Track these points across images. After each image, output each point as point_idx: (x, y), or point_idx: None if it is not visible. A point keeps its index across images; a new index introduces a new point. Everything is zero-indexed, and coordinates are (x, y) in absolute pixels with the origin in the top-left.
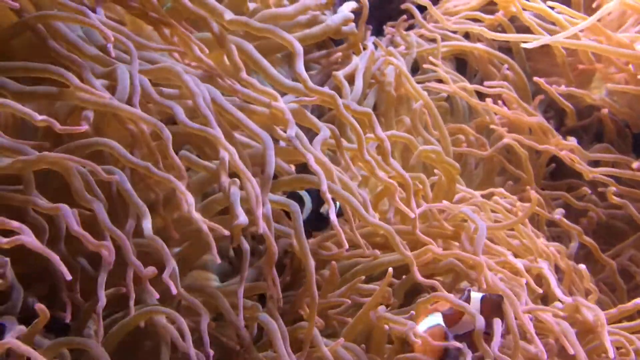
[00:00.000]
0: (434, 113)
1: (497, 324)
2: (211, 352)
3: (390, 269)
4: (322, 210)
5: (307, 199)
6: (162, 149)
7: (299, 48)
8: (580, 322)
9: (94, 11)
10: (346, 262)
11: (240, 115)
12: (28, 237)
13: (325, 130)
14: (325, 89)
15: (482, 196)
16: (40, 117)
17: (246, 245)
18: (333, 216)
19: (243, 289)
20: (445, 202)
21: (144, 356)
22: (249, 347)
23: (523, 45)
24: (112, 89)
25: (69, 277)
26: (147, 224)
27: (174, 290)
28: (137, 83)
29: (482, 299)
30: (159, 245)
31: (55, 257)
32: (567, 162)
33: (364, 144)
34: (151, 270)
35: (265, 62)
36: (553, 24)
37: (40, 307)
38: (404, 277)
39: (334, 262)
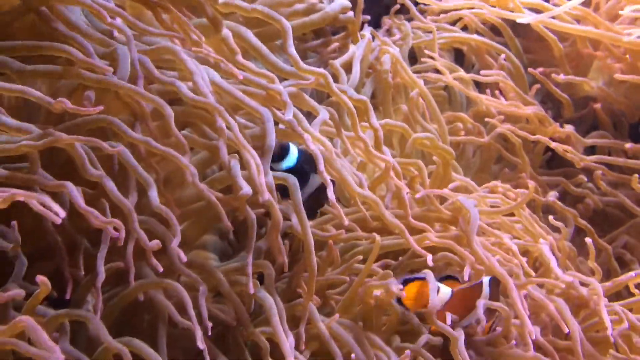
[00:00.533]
0: (429, 101)
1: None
2: (209, 324)
3: (378, 238)
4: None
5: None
6: (163, 128)
7: (287, 26)
8: (575, 297)
9: None
10: (344, 244)
11: (239, 94)
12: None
13: (324, 112)
14: (317, 68)
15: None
16: (54, 101)
17: (252, 215)
18: (331, 194)
19: (250, 260)
20: (445, 190)
21: (142, 330)
22: (246, 323)
23: (518, 20)
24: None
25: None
26: (153, 193)
27: (184, 258)
28: (137, 62)
29: (491, 281)
30: (166, 214)
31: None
32: (560, 152)
33: (358, 124)
34: (155, 242)
35: (263, 48)
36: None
37: (41, 279)
38: (400, 258)
39: (331, 242)
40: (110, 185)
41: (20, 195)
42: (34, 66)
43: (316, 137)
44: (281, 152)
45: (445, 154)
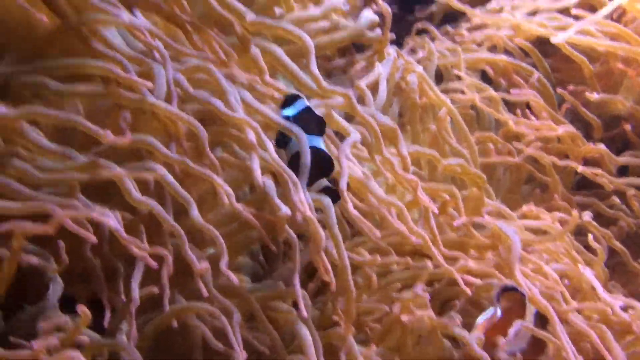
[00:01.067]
0: (458, 121)
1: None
2: (244, 355)
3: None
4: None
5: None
6: (195, 149)
7: (310, 45)
8: (616, 322)
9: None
10: (379, 268)
11: (271, 114)
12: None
13: (355, 133)
14: (340, 88)
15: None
16: (108, 136)
17: (293, 235)
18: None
19: (297, 278)
20: (485, 217)
21: (177, 356)
22: (280, 351)
23: (552, 40)
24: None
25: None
26: (195, 212)
27: (235, 280)
28: (172, 81)
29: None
30: (212, 233)
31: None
32: (589, 175)
33: (383, 145)
34: (205, 265)
35: (294, 66)
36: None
37: (82, 309)
38: (436, 285)
39: (368, 268)
40: (159, 208)
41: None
42: (73, 86)
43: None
44: (288, 101)
45: (477, 179)
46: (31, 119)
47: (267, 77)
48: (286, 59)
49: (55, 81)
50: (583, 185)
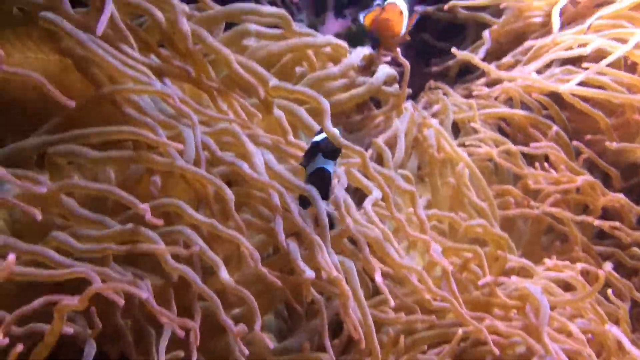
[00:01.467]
0: (476, 175)
1: None
2: None
3: (460, 332)
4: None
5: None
6: (221, 210)
7: (326, 105)
8: None
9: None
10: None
11: (289, 176)
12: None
13: (377, 191)
14: (356, 146)
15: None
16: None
17: (318, 296)
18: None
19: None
20: (512, 278)
21: None
22: None
23: (561, 88)
24: (179, 152)
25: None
26: (224, 273)
27: (271, 345)
28: (200, 145)
29: None
30: (243, 295)
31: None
32: (607, 229)
33: (392, 206)
34: (242, 327)
35: (316, 126)
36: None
37: None
38: (462, 345)
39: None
40: (193, 275)
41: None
42: (105, 153)
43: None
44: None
45: (500, 239)
46: (68, 191)
47: (291, 137)
48: (308, 118)
49: (89, 148)
50: (604, 235)
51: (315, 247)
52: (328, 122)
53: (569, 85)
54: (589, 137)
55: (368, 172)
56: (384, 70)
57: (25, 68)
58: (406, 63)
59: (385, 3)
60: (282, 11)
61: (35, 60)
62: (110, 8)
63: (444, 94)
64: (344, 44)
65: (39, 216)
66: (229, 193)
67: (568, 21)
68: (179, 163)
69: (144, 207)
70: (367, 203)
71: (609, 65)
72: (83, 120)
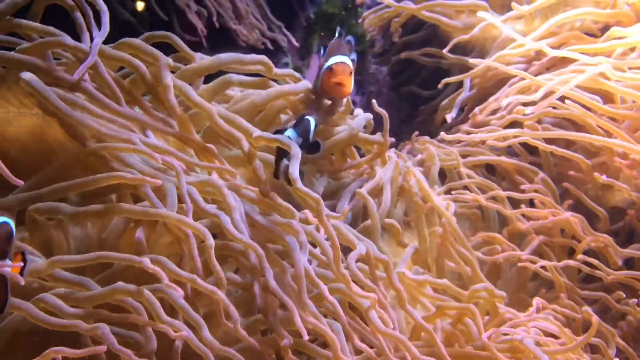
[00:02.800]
0: (456, 232)
1: None
2: None
3: None
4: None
5: (293, 135)
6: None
7: (296, 152)
8: None
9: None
10: None
11: (271, 227)
12: None
13: (361, 246)
14: (312, 193)
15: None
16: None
17: None
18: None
19: None
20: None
21: None
22: None
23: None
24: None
25: None
26: (206, 333)
27: None
28: (186, 195)
29: None
30: (228, 354)
31: None
32: (588, 271)
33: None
34: None
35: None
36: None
37: None
38: None
39: None
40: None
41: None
42: (85, 208)
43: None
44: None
45: (498, 299)
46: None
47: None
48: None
49: (67, 204)
50: (590, 279)
51: (292, 311)
52: (295, 167)
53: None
54: (572, 173)
55: (321, 220)
56: (363, 115)
57: (8, 123)
58: (384, 113)
59: (332, 62)
60: (262, 57)
61: (18, 114)
62: (91, 60)
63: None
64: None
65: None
66: (210, 239)
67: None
68: (162, 212)
69: (145, 261)
70: (351, 259)
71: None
72: (68, 175)
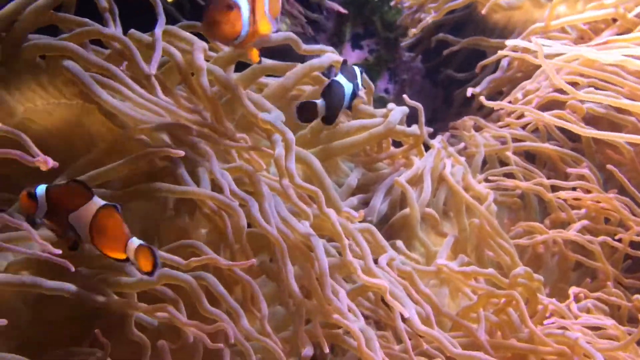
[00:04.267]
0: (493, 225)
1: None
2: None
3: None
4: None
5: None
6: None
7: (291, 140)
8: None
9: None
10: None
11: (295, 224)
12: None
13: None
14: (310, 186)
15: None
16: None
17: None
18: None
19: None
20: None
21: None
22: None
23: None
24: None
25: None
26: (245, 322)
27: None
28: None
29: None
30: (266, 344)
31: None
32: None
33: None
34: None
35: (327, 181)
36: None
37: None
38: None
39: None
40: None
41: None
42: (129, 188)
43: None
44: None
45: (536, 284)
46: None
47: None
48: (321, 171)
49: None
50: (634, 268)
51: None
52: (291, 160)
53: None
54: (610, 151)
55: (322, 212)
56: (399, 109)
57: (48, 114)
58: (419, 106)
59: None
60: (289, 34)
61: (58, 105)
62: (160, 51)
63: (475, 128)
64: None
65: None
66: (243, 219)
67: None
68: (196, 189)
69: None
70: (382, 261)
71: None
72: (108, 162)
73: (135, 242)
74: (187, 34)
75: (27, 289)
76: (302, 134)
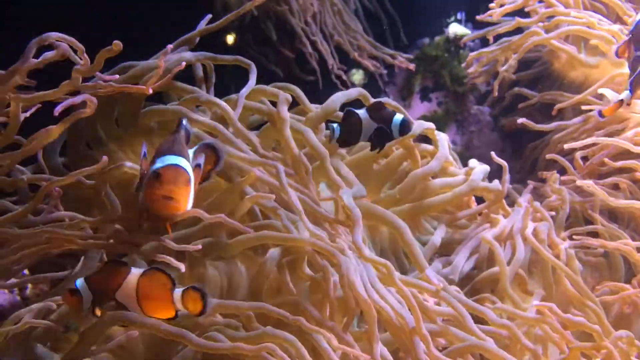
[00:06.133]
0: (579, 285)
1: None
2: None
3: None
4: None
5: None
6: None
7: (358, 216)
8: None
9: None
10: None
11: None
12: None
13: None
14: (380, 259)
15: None
16: None
17: None
18: None
19: None
20: None
21: None
22: None
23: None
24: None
25: None
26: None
27: None
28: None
29: None
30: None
31: None
32: None
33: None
34: None
35: (415, 245)
36: None
37: None
38: None
39: None
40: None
41: None
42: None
43: None
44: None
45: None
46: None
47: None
48: (410, 237)
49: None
50: None
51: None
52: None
53: None
54: None
55: (394, 283)
56: (481, 168)
57: None
58: (504, 164)
59: (160, 165)
60: (359, 90)
61: None
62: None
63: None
64: (431, 125)
65: None
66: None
67: None
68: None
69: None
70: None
71: None
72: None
73: (177, 292)
74: (272, 89)
75: None
76: (389, 194)
